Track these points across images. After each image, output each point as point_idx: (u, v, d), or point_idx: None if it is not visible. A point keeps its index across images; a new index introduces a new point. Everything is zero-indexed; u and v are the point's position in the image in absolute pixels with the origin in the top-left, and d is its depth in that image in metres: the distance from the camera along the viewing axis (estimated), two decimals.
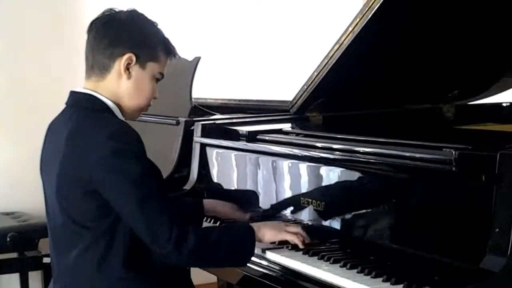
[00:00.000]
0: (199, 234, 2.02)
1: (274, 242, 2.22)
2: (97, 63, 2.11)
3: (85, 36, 2.14)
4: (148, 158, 2.06)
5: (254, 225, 2.15)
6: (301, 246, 2.17)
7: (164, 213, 1.98)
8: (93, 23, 2.13)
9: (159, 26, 2.17)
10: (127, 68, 2.09)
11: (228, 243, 2.07)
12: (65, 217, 2.05)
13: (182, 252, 1.97)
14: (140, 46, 2.10)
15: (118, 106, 2.12)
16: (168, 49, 2.16)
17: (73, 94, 2.14)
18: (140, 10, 2.18)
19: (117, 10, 2.14)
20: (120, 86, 2.10)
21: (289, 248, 2.21)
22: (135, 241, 2.02)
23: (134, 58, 2.08)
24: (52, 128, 2.16)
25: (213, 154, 2.78)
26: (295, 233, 2.18)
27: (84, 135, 2.02)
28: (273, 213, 2.47)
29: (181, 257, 1.99)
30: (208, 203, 2.51)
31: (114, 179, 1.97)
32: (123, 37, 2.09)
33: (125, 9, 2.15)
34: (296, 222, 2.37)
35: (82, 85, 2.14)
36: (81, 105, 2.10)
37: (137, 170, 1.97)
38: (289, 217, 2.41)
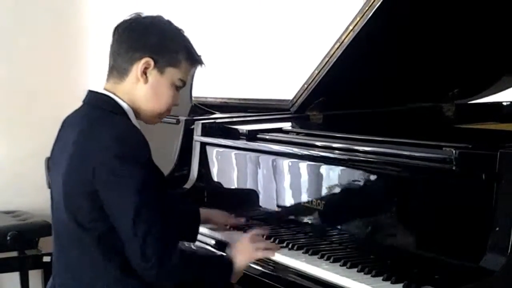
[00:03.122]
0: (184, 255, 2.02)
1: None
2: (117, 66, 2.12)
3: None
4: (152, 161, 2.06)
5: (229, 256, 2.14)
6: (274, 257, 2.18)
7: (156, 226, 1.97)
8: (117, 27, 2.14)
9: (185, 33, 2.16)
10: (145, 73, 2.09)
11: (207, 273, 2.08)
12: (69, 216, 2.04)
13: (164, 268, 1.96)
14: (159, 51, 2.09)
15: (135, 110, 2.11)
16: (191, 57, 2.15)
17: (91, 93, 2.14)
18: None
19: (142, 15, 2.14)
20: (137, 90, 2.10)
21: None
22: None
23: (152, 63, 2.08)
24: (66, 125, 2.16)
25: (213, 153, 2.78)
26: (263, 249, 2.18)
27: (92, 135, 2.02)
28: (273, 212, 2.47)
29: (159, 275, 1.97)
30: (203, 212, 2.49)
31: (114, 182, 1.96)
32: (142, 41, 2.09)
33: (150, 15, 2.15)
34: (296, 221, 2.37)
35: (103, 86, 2.14)
36: (96, 105, 2.10)
37: (138, 177, 1.97)
38: (289, 216, 2.41)
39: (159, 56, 2.09)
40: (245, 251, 2.17)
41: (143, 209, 1.95)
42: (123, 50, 2.10)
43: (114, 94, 2.10)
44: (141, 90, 2.11)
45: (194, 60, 2.16)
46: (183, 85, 2.16)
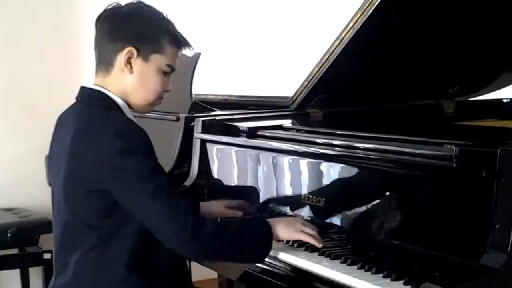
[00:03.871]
0: (217, 223, 2.00)
1: (288, 241, 2.19)
2: (102, 59, 2.10)
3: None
4: (154, 152, 2.05)
5: (270, 221, 2.11)
6: (319, 245, 2.12)
7: (179, 203, 1.96)
8: (97, 19, 2.12)
9: (168, 17, 2.14)
10: (129, 62, 2.07)
11: (246, 236, 2.04)
12: (71, 214, 2.04)
13: (199, 240, 1.94)
14: (141, 38, 2.07)
15: (126, 101, 2.10)
16: (176, 41, 2.12)
17: (83, 90, 2.13)
18: None
19: (122, 4, 2.12)
20: (124, 81, 2.09)
21: (303, 248, 2.18)
22: (140, 245, 2.01)
23: (134, 52, 2.06)
24: (61, 123, 2.15)
25: (213, 150, 2.77)
26: (311, 235, 2.13)
27: (91, 133, 2.01)
28: (273, 209, 2.47)
29: (198, 246, 1.95)
30: (203, 206, 2.49)
31: (123, 178, 1.96)
32: (123, 30, 2.07)
33: (130, 2, 2.13)
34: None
35: (93, 81, 2.13)
36: (90, 102, 2.09)
37: (145, 166, 1.96)
38: (290, 213, 2.41)
39: (141, 44, 2.07)
40: (289, 226, 2.12)
41: (158, 192, 1.95)
42: (106, 41, 2.09)
43: (105, 88, 2.09)
44: (128, 80, 2.09)
45: (179, 43, 2.13)
46: (172, 70, 2.14)
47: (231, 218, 2.23)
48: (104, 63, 2.10)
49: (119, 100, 2.09)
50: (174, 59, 2.14)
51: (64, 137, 2.07)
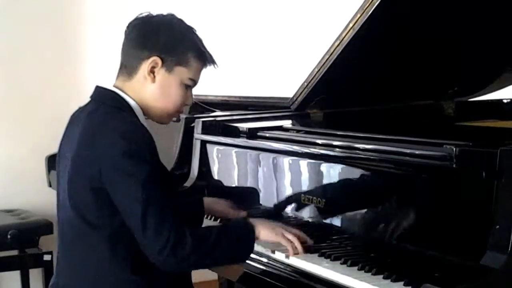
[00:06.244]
0: (197, 237, 2.00)
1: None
2: (126, 64, 2.12)
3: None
4: (158, 157, 2.05)
5: (253, 221, 2.12)
6: (291, 255, 2.11)
7: (165, 220, 1.96)
8: (128, 25, 2.14)
9: (196, 32, 2.16)
10: (152, 72, 2.09)
11: (227, 243, 2.04)
12: (75, 212, 2.04)
13: (178, 257, 1.95)
14: (167, 50, 2.09)
15: (144, 108, 2.11)
16: (202, 56, 2.14)
17: (98, 89, 2.14)
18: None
19: (154, 13, 2.14)
20: (145, 89, 2.10)
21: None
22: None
23: (159, 62, 2.08)
24: (72, 121, 2.16)
25: (213, 151, 2.78)
26: (291, 241, 2.12)
27: (99, 132, 2.02)
28: (274, 210, 2.47)
29: (178, 262, 1.97)
30: (206, 202, 2.49)
31: (121, 180, 1.96)
32: (151, 40, 2.09)
33: (162, 13, 2.15)
34: (297, 219, 2.37)
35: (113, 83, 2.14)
36: (103, 101, 2.10)
37: (144, 173, 1.96)
38: (290, 214, 2.41)
39: (167, 55, 2.09)
40: (271, 228, 2.12)
41: (150, 204, 1.95)
42: (132, 48, 2.11)
43: (123, 91, 2.10)
44: (149, 89, 2.10)
45: (205, 59, 2.16)
46: (194, 84, 2.16)
47: (213, 226, 2.23)
48: (127, 68, 2.12)
49: (132, 103, 2.10)
50: (198, 74, 2.16)
51: (73, 135, 2.09)
